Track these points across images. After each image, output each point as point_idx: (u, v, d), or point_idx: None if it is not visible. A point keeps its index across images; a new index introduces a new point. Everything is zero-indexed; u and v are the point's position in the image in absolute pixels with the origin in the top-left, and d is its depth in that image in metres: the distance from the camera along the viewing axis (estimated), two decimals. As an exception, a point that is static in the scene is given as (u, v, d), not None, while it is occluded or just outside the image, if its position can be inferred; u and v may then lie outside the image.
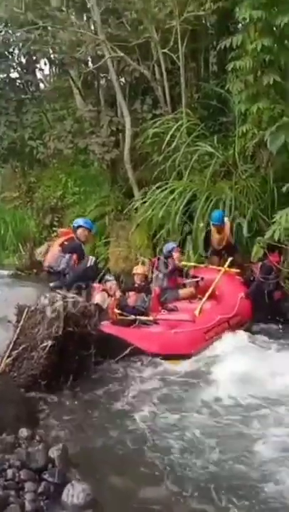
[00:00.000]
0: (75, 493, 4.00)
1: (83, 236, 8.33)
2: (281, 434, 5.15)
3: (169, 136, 11.54)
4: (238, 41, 9.53)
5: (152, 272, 9.40)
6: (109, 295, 8.19)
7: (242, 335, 8.24)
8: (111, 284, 8.40)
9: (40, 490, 4.05)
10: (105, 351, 6.95)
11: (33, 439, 4.63)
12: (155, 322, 8.26)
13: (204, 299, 8.73)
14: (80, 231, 8.32)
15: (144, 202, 11.59)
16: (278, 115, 9.42)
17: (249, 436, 5.17)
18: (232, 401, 5.98)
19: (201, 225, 10.38)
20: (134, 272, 9.12)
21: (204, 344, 7.79)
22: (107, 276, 8.66)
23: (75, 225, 8.45)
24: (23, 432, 4.68)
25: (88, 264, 8.12)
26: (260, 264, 9.16)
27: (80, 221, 8.56)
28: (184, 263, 9.74)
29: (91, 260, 8.22)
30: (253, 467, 4.61)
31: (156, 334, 7.96)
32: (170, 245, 9.58)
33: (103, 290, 8.16)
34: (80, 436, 5.17)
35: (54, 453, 4.38)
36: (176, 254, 9.39)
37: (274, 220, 7.84)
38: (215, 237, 9.71)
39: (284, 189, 8.37)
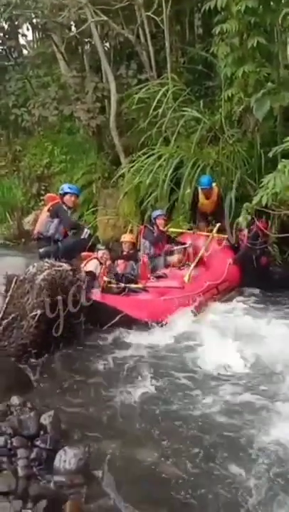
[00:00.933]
0: (67, 458, 4.05)
1: (70, 202, 8.31)
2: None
3: (155, 102, 11.42)
4: (222, 3, 9.33)
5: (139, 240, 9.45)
6: (100, 263, 8.22)
7: (230, 300, 8.34)
8: (102, 252, 8.43)
9: (32, 456, 4.10)
10: (95, 319, 6.99)
11: (24, 406, 4.67)
12: (144, 289, 8.30)
13: (193, 266, 8.76)
14: (66, 197, 8.30)
15: (132, 168, 11.52)
16: (264, 79, 9.33)
17: (237, 401, 5.23)
18: (220, 367, 6.01)
19: (188, 191, 10.35)
20: (121, 240, 9.13)
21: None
22: (99, 245, 8.66)
23: (61, 191, 8.44)
24: (15, 400, 4.72)
25: (82, 237, 8.15)
26: (246, 229, 9.19)
27: (65, 187, 8.53)
28: (171, 229, 9.74)
29: (86, 233, 8.23)
30: (243, 423, 4.69)
31: (145, 301, 7.98)
32: (155, 213, 9.59)
33: (94, 258, 8.19)
34: (71, 403, 5.21)
35: (46, 420, 4.43)
36: (159, 221, 9.41)
37: (261, 184, 7.81)
38: (203, 202, 9.70)
39: (271, 154, 8.33)
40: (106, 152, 14.03)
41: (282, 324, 7.09)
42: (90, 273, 7.67)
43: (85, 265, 8.00)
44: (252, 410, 4.99)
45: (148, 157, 11.21)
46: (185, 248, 9.40)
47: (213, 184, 9.69)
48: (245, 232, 9.15)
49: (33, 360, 6.08)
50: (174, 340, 6.89)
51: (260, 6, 9.08)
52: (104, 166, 13.79)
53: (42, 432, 4.33)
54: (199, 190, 9.76)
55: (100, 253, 8.32)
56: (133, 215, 11.64)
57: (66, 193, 8.32)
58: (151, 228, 9.43)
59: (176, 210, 10.74)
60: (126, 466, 4.18)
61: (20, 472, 3.92)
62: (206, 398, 5.28)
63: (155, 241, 9.26)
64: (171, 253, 9.41)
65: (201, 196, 9.73)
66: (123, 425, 4.83)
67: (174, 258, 9.32)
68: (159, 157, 11.05)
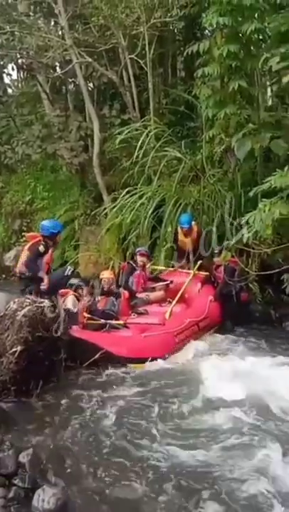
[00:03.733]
0: (45, 497, 3.99)
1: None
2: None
3: (139, 143, 11.56)
4: (204, 47, 9.62)
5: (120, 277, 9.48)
6: (79, 299, 8.17)
7: (210, 337, 8.36)
8: (81, 288, 8.40)
9: (10, 495, 4.03)
10: (75, 356, 6.93)
11: (2, 444, 4.61)
12: (125, 326, 8.27)
13: (174, 303, 8.78)
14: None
15: (114, 207, 11.61)
16: (245, 121, 9.56)
17: (219, 437, 5.21)
18: (202, 404, 6.00)
19: (170, 229, 10.46)
20: (100, 276, 9.11)
21: (174, 347, 7.84)
22: (74, 280, 8.63)
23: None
24: (-7, 438, 4.66)
25: (65, 274, 8.20)
26: (222, 267, 9.32)
27: (45, 227, 8.45)
28: (153, 267, 9.79)
29: (68, 270, 8.32)
30: (223, 465, 4.64)
31: (126, 338, 7.95)
32: (137, 250, 9.69)
33: (73, 294, 8.15)
34: (50, 441, 5.13)
35: (24, 458, 4.36)
36: (140, 258, 9.47)
37: (242, 222, 7.91)
38: (182, 240, 9.78)
39: (251, 193, 8.48)
40: (88, 190, 14.12)
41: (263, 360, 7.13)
42: (68, 310, 7.62)
43: (63, 301, 7.95)
44: (241, 448, 4.94)
45: (130, 195, 11.31)
46: (166, 285, 9.44)
47: (193, 223, 9.80)
48: (222, 268, 9.28)
49: (12, 397, 6.00)
50: (154, 378, 6.84)
51: (241, 51, 9.36)
52: (86, 204, 13.86)
53: (20, 471, 4.26)
54: (179, 229, 9.86)
55: (75, 288, 8.26)
56: (115, 251, 11.67)
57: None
58: (134, 265, 9.47)
59: (158, 248, 10.80)
60: (106, 506, 4.11)
61: (-2, 512, 3.85)
62: (189, 436, 5.25)
63: (136, 278, 9.30)
64: (152, 290, 9.43)
65: (180, 234, 9.83)
66: (103, 464, 4.76)
67: (155, 295, 9.33)
68: (141, 196, 11.17)
